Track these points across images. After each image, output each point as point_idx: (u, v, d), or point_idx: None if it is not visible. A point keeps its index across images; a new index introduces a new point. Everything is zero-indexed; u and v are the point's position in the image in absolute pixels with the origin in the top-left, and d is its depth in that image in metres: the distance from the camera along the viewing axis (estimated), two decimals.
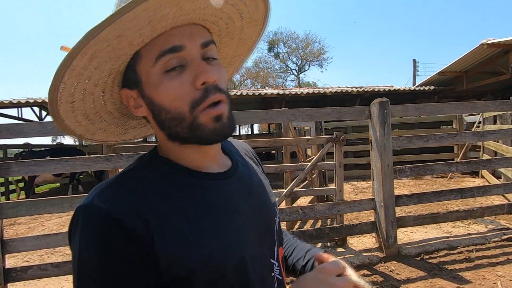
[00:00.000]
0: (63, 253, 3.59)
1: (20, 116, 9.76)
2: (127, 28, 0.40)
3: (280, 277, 0.57)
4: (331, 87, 11.01)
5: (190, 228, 0.45)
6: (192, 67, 0.46)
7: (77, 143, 15.70)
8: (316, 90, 10.18)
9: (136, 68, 0.47)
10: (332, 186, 3.52)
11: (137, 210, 0.43)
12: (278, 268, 0.57)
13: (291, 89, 12.55)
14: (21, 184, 8.86)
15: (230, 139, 0.67)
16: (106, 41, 0.40)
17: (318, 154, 3.24)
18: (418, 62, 19.45)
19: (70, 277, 2.85)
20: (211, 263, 0.45)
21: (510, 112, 3.42)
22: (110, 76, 0.48)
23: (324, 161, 4.15)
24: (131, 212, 0.42)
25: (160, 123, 0.49)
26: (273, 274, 0.56)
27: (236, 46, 0.61)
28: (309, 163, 3.17)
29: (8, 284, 2.40)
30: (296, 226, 3.71)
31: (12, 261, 3.38)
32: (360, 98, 10.16)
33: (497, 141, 5.23)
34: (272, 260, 0.56)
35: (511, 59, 7.46)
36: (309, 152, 5.40)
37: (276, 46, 28.57)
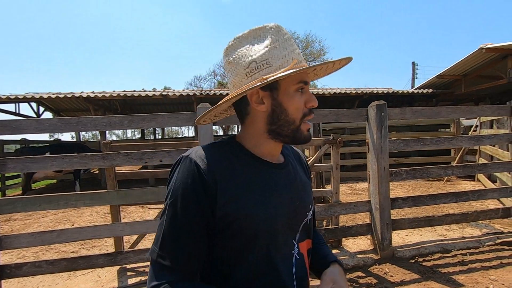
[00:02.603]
0: (58, 250, 3.58)
1: (17, 112, 9.70)
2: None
3: (298, 257, 0.72)
4: (330, 88, 11.01)
5: (242, 190, 0.66)
6: (306, 94, 0.70)
7: (74, 139, 15.62)
8: (315, 91, 10.19)
9: (279, 81, 0.67)
10: (328, 187, 3.53)
11: (211, 167, 0.65)
12: (297, 249, 0.73)
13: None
14: (19, 180, 8.84)
15: (293, 146, 0.89)
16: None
17: (315, 155, 3.25)
18: (417, 65, 19.51)
19: (64, 275, 2.85)
20: (250, 220, 0.64)
21: (507, 116, 3.43)
22: None
23: (321, 162, 4.15)
24: (207, 167, 0.65)
25: (274, 119, 0.69)
26: (293, 251, 0.71)
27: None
28: None
29: (2, 281, 2.39)
30: None
31: (6, 257, 3.37)
32: (359, 100, 10.18)
33: (494, 146, 5.27)
34: (293, 241, 0.72)
35: (509, 64, 7.49)
36: (306, 153, 5.41)
37: None
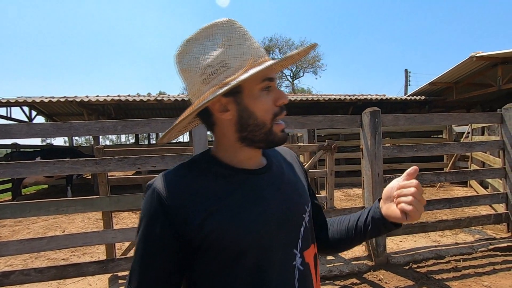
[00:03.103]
0: (48, 258, 3.50)
1: (9, 116, 9.56)
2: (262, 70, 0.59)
3: (302, 268, 0.65)
4: (325, 94, 11.11)
5: (218, 206, 0.60)
6: (274, 91, 0.65)
7: (67, 144, 15.42)
8: (310, 97, 10.26)
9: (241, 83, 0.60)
10: (323, 193, 3.54)
11: (176, 192, 0.60)
12: (301, 259, 0.66)
13: (285, 95, 12.64)
14: (9, 185, 8.66)
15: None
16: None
17: (310, 161, 3.26)
18: (410, 72, 19.82)
19: (54, 283, 2.78)
20: (232, 233, 0.58)
21: (498, 123, 3.49)
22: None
23: (316, 168, 4.16)
24: (171, 194, 0.59)
25: (243, 125, 0.62)
26: (294, 263, 0.64)
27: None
28: None
29: None
30: None
31: None
32: (353, 106, 10.29)
33: (485, 152, 5.34)
34: (294, 251, 0.65)
35: (499, 72, 7.66)
36: (301, 158, 5.42)
37: (272, 52, 28.77)
